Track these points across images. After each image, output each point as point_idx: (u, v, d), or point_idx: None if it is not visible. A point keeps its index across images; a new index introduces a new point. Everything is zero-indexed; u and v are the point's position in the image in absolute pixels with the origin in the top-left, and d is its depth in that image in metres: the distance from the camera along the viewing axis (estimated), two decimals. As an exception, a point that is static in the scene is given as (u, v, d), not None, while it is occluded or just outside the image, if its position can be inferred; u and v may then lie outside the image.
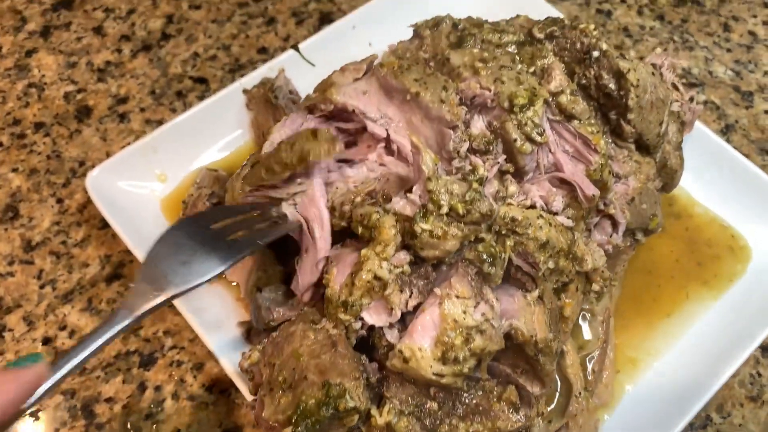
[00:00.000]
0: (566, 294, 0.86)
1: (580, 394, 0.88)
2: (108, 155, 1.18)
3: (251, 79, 1.13)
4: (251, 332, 0.94)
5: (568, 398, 0.89)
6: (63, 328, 1.02)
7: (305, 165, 0.80)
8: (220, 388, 0.97)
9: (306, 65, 1.17)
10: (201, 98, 1.25)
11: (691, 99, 1.25)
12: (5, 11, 1.36)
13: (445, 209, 0.75)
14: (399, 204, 0.79)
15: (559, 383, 0.91)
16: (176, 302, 0.92)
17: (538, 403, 0.82)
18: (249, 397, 0.85)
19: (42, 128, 1.21)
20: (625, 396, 0.94)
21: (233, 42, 1.32)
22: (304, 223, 0.84)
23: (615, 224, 0.92)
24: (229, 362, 0.89)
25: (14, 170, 1.16)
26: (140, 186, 1.06)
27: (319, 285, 0.85)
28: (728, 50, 1.33)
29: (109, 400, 0.96)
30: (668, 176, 0.98)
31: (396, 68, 0.85)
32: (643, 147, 0.94)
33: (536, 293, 0.82)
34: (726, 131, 1.23)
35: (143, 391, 0.97)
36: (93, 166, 1.17)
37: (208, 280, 0.75)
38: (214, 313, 0.96)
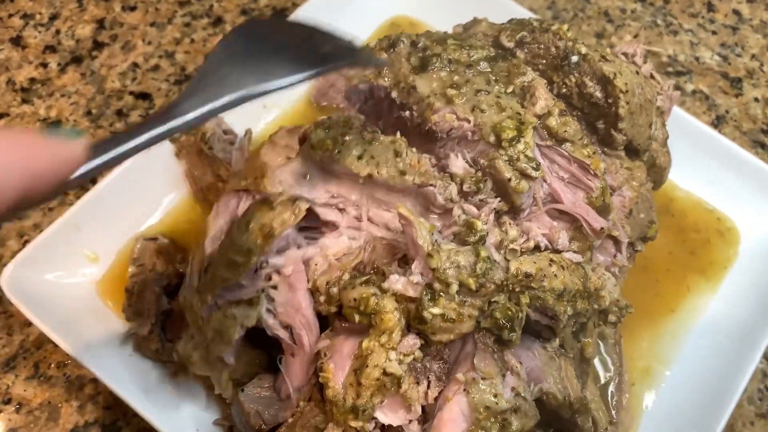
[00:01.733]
0: (584, 333, 0.78)
1: (606, 429, 0.80)
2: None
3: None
4: (234, 430, 0.82)
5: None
6: (8, 401, 0.89)
7: (271, 243, 0.67)
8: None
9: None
10: (145, 117, 1.10)
11: (677, 87, 1.18)
12: None
13: (455, 288, 0.65)
14: (398, 283, 0.67)
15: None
16: (138, 408, 0.79)
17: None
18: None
19: (-39, 163, 1.05)
20: (644, 418, 0.89)
21: (177, 48, 1.17)
22: (285, 332, 0.72)
23: (617, 242, 0.84)
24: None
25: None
26: (70, 274, 0.89)
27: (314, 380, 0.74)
28: (713, 32, 1.25)
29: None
30: (657, 174, 0.91)
31: (331, 151, 0.71)
32: (632, 150, 0.86)
33: (556, 343, 0.75)
34: (717, 123, 1.16)
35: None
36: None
37: (295, 83, 0.56)
38: (187, 411, 0.84)
